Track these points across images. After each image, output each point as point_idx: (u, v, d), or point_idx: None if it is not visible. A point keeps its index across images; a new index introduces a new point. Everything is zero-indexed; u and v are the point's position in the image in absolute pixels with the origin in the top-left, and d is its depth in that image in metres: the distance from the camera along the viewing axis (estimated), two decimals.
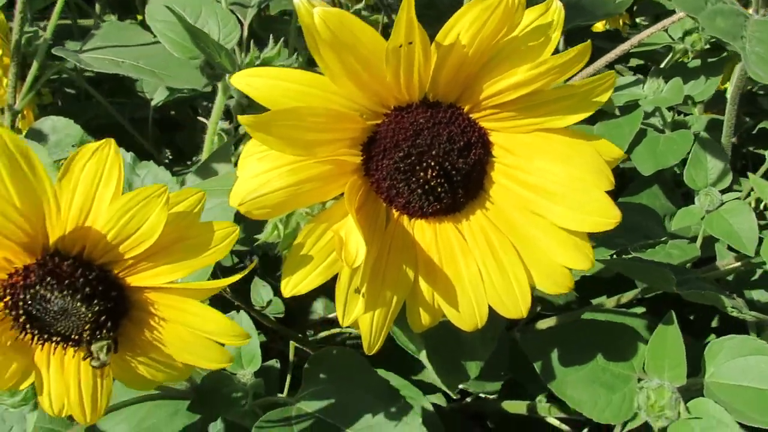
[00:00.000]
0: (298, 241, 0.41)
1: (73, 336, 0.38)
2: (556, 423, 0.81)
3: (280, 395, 0.65)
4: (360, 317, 0.44)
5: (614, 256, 0.86)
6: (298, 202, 0.41)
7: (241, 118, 0.38)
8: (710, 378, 0.57)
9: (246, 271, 0.40)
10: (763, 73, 0.68)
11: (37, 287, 0.36)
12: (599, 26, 1.36)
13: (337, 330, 0.94)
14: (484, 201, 0.45)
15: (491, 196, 0.45)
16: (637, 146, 1.00)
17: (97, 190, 0.35)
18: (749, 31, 0.75)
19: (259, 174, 0.40)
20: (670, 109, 1.15)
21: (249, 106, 0.57)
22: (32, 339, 0.39)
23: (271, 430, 0.58)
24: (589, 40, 0.37)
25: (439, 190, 0.43)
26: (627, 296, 0.83)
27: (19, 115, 0.98)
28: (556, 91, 0.41)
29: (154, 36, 0.94)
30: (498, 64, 0.40)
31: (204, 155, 0.70)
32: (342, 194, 0.43)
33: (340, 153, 0.42)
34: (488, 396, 0.93)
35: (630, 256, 0.85)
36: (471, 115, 0.43)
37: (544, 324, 0.79)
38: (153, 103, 1.12)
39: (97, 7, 1.44)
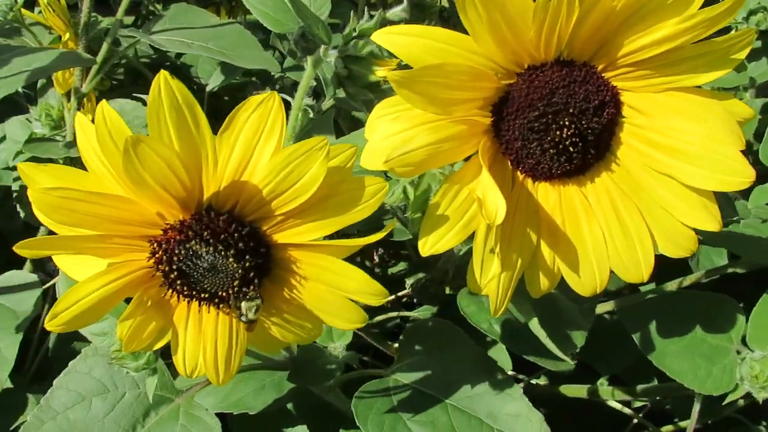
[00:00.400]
0: (435, 201, 0.41)
1: (220, 293, 0.38)
2: (617, 407, 0.81)
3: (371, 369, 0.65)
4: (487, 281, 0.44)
5: None
6: (437, 161, 0.41)
7: (390, 74, 0.38)
8: None
9: (386, 231, 0.40)
10: None
11: (193, 242, 0.36)
12: None
13: (391, 315, 0.94)
14: (610, 163, 0.45)
15: (618, 158, 0.45)
16: None
17: (258, 144, 0.35)
18: None
19: (398, 133, 0.40)
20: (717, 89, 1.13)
21: (348, 77, 0.57)
22: (178, 297, 0.39)
23: (370, 400, 0.58)
24: None
25: (572, 149, 0.43)
26: (690, 279, 0.82)
27: (85, 99, 0.99)
28: (695, 47, 0.40)
29: (219, 19, 0.94)
30: (642, 18, 0.39)
31: (288, 130, 0.70)
32: (469, 157, 0.43)
33: (472, 113, 0.42)
34: (539, 381, 0.93)
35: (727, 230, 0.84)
36: (604, 74, 0.43)
37: (601, 308, 0.79)
38: (208, 88, 1.12)
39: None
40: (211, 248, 0.36)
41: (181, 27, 0.90)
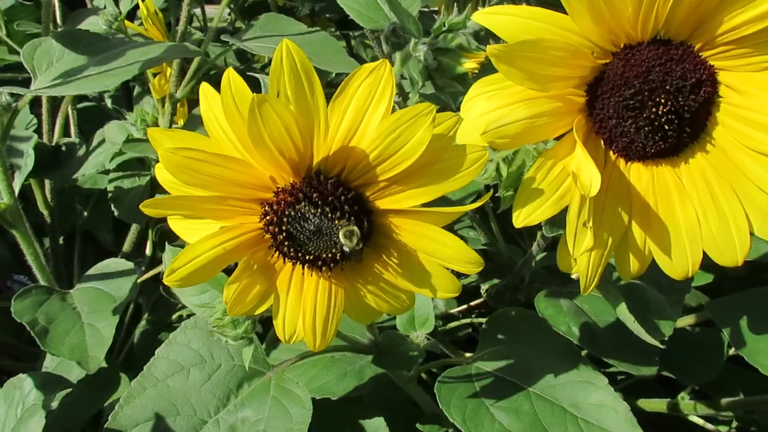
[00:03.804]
0: (529, 175, 0.42)
1: (323, 256, 0.40)
2: (700, 422, 0.78)
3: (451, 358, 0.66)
4: (579, 258, 0.44)
5: None
6: (532, 136, 0.42)
7: (490, 48, 0.40)
8: None
9: (481, 202, 0.41)
10: None
11: (302, 204, 0.39)
12: None
13: (459, 323, 0.95)
14: (706, 143, 0.45)
15: (713, 138, 0.45)
16: None
17: (368, 110, 0.37)
18: None
19: (494, 109, 0.41)
20: None
21: (437, 69, 0.59)
22: (284, 259, 0.41)
23: (453, 385, 0.59)
24: None
25: (667, 128, 0.43)
26: None
27: (178, 104, 1.05)
28: None
29: (307, 27, 0.98)
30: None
31: None
32: (563, 135, 0.44)
33: (568, 92, 0.43)
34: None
35: None
36: (701, 53, 0.43)
37: (683, 322, 0.77)
38: None
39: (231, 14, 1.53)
40: (319, 210, 0.39)
41: (272, 34, 0.94)
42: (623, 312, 0.52)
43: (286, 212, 0.39)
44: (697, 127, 0.45)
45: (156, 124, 1.07)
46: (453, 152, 0.38)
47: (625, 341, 0.65)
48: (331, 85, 1.03)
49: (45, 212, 1.05)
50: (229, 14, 1.52)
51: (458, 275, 1.19)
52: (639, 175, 0.46)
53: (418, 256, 0.41)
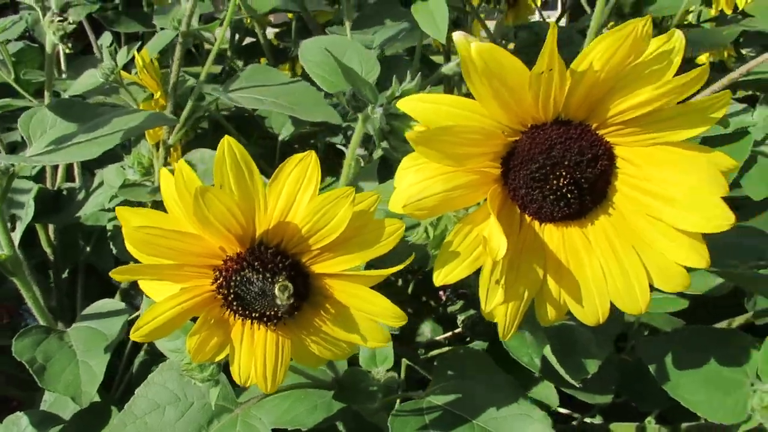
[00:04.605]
0: (448, 239, 0.49)
1: (267, 313, 0.47)
2: None
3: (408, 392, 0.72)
4: (496, 308, 0.50)
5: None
6: (450, 206, 0.49)
7: (408, 134, 0.46)
8: None
9: (401, 266, 0.47)
10: None
11: (246, 270, 0.45)
12: (702, 59, 1.39)
13: (444, 350, 1.01)
14: (608, 207, 0.51)
15: (614, 203, 0.51)
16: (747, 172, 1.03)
17: (299, 192, 0.44)
18: None
19: (418, 182, 0.48)
20: None
21: (390, 132, 0.66)
22: (234, 316, 0.48)
23: (405, 418, 0.65)
24: (707, 63, 0.43)
25: (569, 196, 0.49)
26: (738, 321, 0.85)
27: (171, 149, 1.12)
28: (675, 108, 0.47)
29: (290, 77, 1.06)
30: (625, 86, 0.46)
31: (342, 179, 0.80)
32: (482, 201, 0.50)
33: (484, 165, 0.50)
34: (593, 420, 0.97)
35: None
36: (598, 131, 0.49)
37: None
38: (280, 138, 1.25)
39: (228, 53, 1.61)
40: (261, 276, 0.45)
41: (256, 85, 1.02)
42: (548, 353, 0.58)
43: (233, 277, 0.45)
44: (598, 194, 0.51)
45: (152, 167, 1.14)
46: (373, 226, 0.45)
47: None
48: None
49: (48, 250, 1.13)
50: (227, 53, 1.60)
51: (446, 302, 1.25)
52: (551, 235, 0.52)
53: (351, 311, 0.48)
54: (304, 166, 0.43)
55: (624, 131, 0.49)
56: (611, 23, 1.38)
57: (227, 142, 0.42)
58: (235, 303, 0.47)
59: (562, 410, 0.95)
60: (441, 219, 0.53)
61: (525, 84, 0.46)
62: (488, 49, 0.45)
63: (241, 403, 0.63)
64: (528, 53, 1.37)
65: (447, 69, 1.15)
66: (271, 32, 1.76)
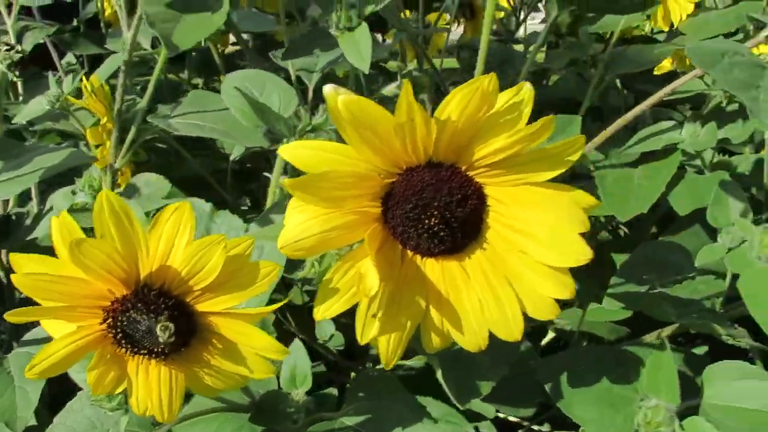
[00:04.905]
0: (327, 277, 0.52)
1: (155, 350, 0.50)
2: None
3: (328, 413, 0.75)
4: (379, 338, 0.54)
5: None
6: (329, 246, 0.52)
7: (283, 181, 0.49)
8: (707, 399, 0.63)
9: (277, 305, 0.51)
10: None
11: (131, 311, 0.48)
12: (667, 66, 1.43)
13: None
14: (482, 242, 0.55)
15: (487, 239, 0.55)
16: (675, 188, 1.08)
17: (176, 238, 0.47)
18: (765, 81, 0.81)
19: (299, 223, 0.51)
20: (721, 150, 1.22)
21: None
22: (126, 352, 0.51)
23: None
24: (551, 116, 0.47)
25: (442, 234, 0.53)
26: (666, 331, 0.89)
27: (119, 172, 1.15)
28: (533, 153, 0.50)
29: None
30: (484, 134, 0.50)
31: (267, 206, 0.83)
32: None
33: (363, 205, 0.53)
34: (540, 428, 1.01)
35: (656, 291, 0.91)
36: (468, 173, 0.53)
37: None
38: (231, 157, 1.28)
39: (186, 72, 1.64)
40: (146, 316, 0.48)
41: (197, 111, 1.05)
42: (439, 377, 0.62)
43: (120, 318, 0.49)
44: (471, 231, 0.54)
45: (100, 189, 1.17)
46: (249, 268, 0.48)
47: (508, 383, 0.74)
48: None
49: (1, 274, 1.15)
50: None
51: None
52: (432, 268, 0.56)
53: (237, 346, 0.51)
54: (179, 214, 0.47)
55: (491, 173, 0.52)
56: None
57: (105, 195, 0.45)
58: (124, 341, 0.50)
59: (512, 419, 0.99)
60: (324, 256, 0.56)
61: (392, 132, 0.49)
62: (355, 101, 0.48)
63: (155, 428, 0.66)
64: (471, 71, 1.40)
65: (387, 91, 1.18)
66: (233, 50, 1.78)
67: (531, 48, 1.15)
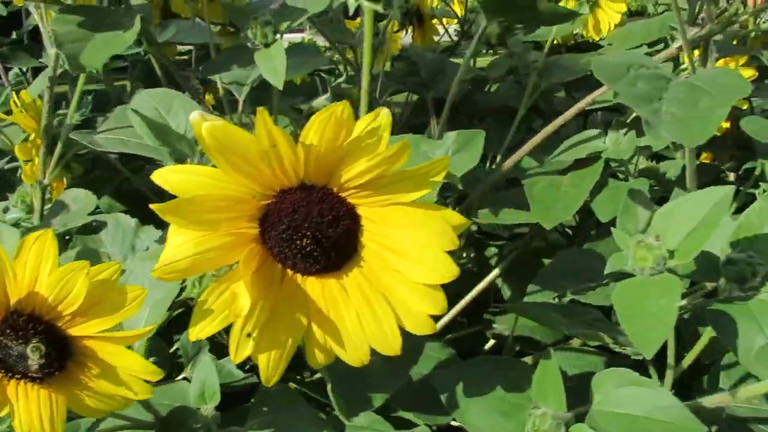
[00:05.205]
0: (203, 298, 0.53)
1: (29, 374, 0.51)
2: None
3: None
4: (259, 356, 0.55)
5: (558, 299, 0.95)
6: (205, 267, 0.53)
7: (153, 206, 0.50)
8: (595, 406, 0.65)
9: (150, 328, 0.52)
10: (676, 131, 0.77)
11: (1, 338, 0.49)
12: None
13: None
14: (359, 261, 0.56)
15: (363, 257, 0.56)
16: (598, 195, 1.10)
17: (41, 265, 0.48)
18: (669, 93, 0.83)
19: (174, 246, 0.52)
20: (654, 156, 1.25)
21: None
22: (2, 377, 0.52)
23: None
24: (406, 140, 0.48)
25: (315, 254, 0.54)
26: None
27: (49, 188, 1.15)
28: (397, 174, 0.52)
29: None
30: (347, 157, 0.51)
31: None
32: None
33: (240, 227, 0.54)
34: None
35: (569, 298, 0.94)
36: (340, 194, 0.54)
37: None
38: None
39: (128, 86, 1.64)
40: (15, 341, 0.49)
41: (122, 126, 1.05)
42: (330, 391, 0.63)
43: None
44: (346, 250, 0.56)
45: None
46: (116, 293, 0.49)
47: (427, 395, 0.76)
48: None
49: None
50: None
51: None
52: (313, 286, 0.57)
53: (112, 368, 0.52)
54: (42, 241, 0.48)
55: (361, 194, 0.54)
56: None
57: None
58: None
59: (454, 423, 1.00)
60: (203, 277, 0.57)
61: (258, 158, 0.50)
62: (220, 128, 0.49)
63: None
64: (404, 82, 1.42)
65: (317, 103, 1.20)
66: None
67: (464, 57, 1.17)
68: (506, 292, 1.17)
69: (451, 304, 1.11)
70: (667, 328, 0.56)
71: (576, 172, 1.12)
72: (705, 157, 1.61)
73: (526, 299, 1.00)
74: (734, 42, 1.48)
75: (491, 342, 1.15)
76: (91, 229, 1.01)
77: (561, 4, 1.44)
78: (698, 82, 0.84)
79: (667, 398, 0.62)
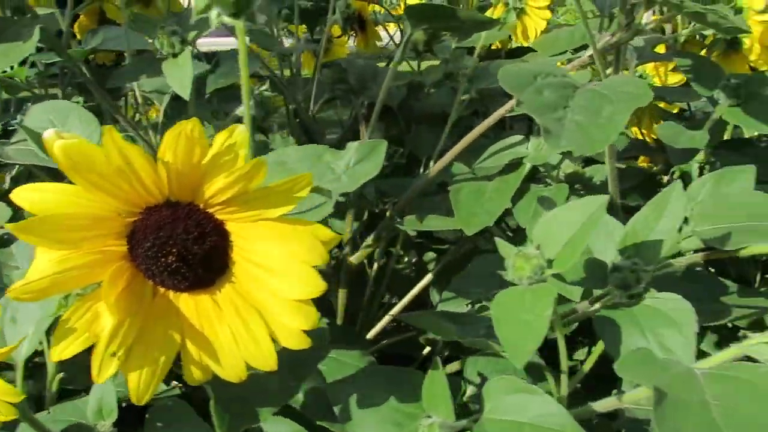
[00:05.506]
0: (64, 317, 0.52)
1: None
2: None
3: None
4: (129, 374, 0.54)
5: (472, 305, 0.96)
6: (67, 287, 0.52)
7: (8, 225, 0.50)
8: (486, 414, 0.66)
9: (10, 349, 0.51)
10: (577, 139, 0.78)
11: None
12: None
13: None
14: (231, 277, 0.56)
15: (235, 274, 0.56)
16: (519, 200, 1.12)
17: None
18: (575, 101, 0.84)
19: (37, 265, 0.51)
20: (586, 160, 1.27)
21: None
22: None
23: None
24: (261, 157, 0.48)
25: (182, 270, 0.54)
26: None
27: None
28: (260, 191, 0.52)
29: None
30: (208, 173, 0.51)
31: None
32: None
33: (107, 244, 0.54)
34: None
35: (480, 304, 0.94)
36: (207, 210, 0.54)
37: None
38: None
39: (60, 90, 1.62)
40: None
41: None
42: (212, 406, 0.63)
43: None
44: (217, 267, 0.56)
45: None
46: None
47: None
48: None
49: None
50: None
51: None
52: (187, 303, 0.57)
53: None
54: None
55: (228, 210, 0.53)
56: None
57: None
58: None
59: None
60: (68, 296, 0.56)
61: (115, 175, 0.50)
62: (74, 146, 0.49)
63: None
64: (333, 89, 1.42)
65: (240, 112, 1.19)
66: None
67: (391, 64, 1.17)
68: (435, 297, 1.17)
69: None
70: (539, 336, 0.57)
71: (501, 178, 1.13)
72: (642, 161, 1.64)
73: (441, 306, 1.00)
74: (664, 48, 1.50)
75: (428, 348, 1.16)
76: (2, 242, 1.00)
77: (492, 10, 1.45)
78: (604, 90, 0.85)
79: (552, 406, 0.63)
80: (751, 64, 1.17)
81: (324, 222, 1.59)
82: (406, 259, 1.63)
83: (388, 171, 1.46)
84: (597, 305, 0.70)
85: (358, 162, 0.79)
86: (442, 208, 1.12)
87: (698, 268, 1.08)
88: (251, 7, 0.51)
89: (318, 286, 0.53)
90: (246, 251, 0.55)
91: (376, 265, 1.40)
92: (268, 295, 0.55)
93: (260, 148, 1.23)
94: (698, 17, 0.81)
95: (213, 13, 0.52)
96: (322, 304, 1.48)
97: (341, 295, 1.19)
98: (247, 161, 0.50)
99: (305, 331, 0.55)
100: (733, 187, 0.90)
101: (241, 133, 0.49)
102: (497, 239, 0.65)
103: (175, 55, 0.90)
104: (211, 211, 0.54)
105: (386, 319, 1.18)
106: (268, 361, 0.56)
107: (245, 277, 0.56)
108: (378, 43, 1.87)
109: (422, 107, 1.55)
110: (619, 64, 1.06)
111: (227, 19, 0.52)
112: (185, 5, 1.33)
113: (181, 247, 0.53)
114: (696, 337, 0.63)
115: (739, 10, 1.13)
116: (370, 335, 1.15)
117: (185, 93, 0.87)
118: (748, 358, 0.54)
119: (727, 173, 0.90)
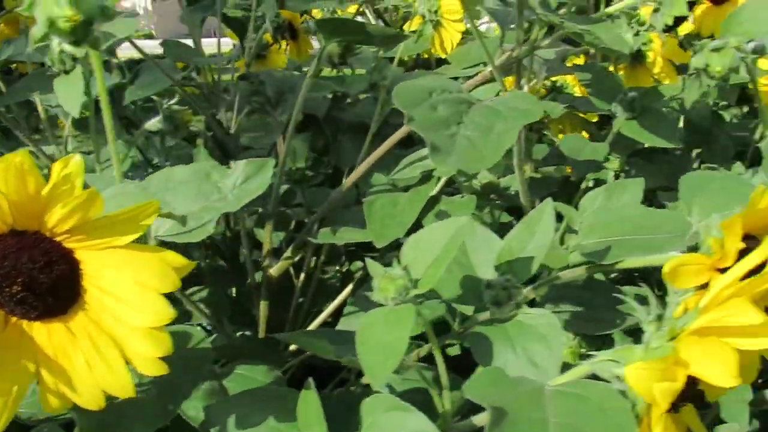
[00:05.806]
0: None
1: None
2: None
3: None
4: None
5: None
6: None
7: None
8: (364, 430, 0.66)
9: None
10: (467, 156, 0.78)
11: None
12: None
13: None
14: (83, 305, 0.56)
15: (86, 302, 0.55)
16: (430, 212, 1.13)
17: None
18: (468, 117, 0.85)
19: None
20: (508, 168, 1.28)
21: None
22: None
23: None
24: (94, 188, 0.48)
25: (30, 300, 0.53)
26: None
27: None
28: (107, 218, 0.51)
29: None
30: (49, 203, 0.50)
31: None
32: None
33: None
34: None
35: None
36: (55, 239, 0.53)
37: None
38: None
39: None
40: None
41: None
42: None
43: None
44: (67, 295, 0.55)
45: None
46: None
47: None
48: None
49: None
50: None
51: None
52: (40, 332, 0.56)
53: None
54: None
55: (75, 238, 0.53)
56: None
57: None
58: None
59: None
60: None
61: None
62: None
63: None
64: (249, 101, 1.41)
65: (149, 125, 1.18)
66: None
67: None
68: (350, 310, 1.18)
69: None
70: (398, 356, 0.58)
71: (416, 189, 1.14)
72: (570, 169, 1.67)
73: (343, 320, 1.01)
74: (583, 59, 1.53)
75: None
76: None
77: (409, 22, 1.47)
78: (498, 106, 0.86)
79: (422, 422, 0.64)
80: (655, 77, 1.21)
81: (249, 231, 1.58)
82: (336, 268, 1.64)
83: (317, 182, 1.46)
84: (472, 322, 0.71)
85: (245, 181, 0.79)
86: (360, 219, 1.13)
87: (615, 275, 1.11)
88: (90, 34, 0.51)
89: (167, 314, 0.53)
90: (96, 279, 0.55)
91: (303, 276, 1.40)
92: (121, 323, 0.54)
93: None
94: (577, 36, 0.83)
95: (54, 42, 0.51)
96: (245, 316, 1.48)
97: (263, 306, 1.19)
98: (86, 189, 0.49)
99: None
100: (624, 198, 0.93)
101: (76, 163, 0.49)
102: (367, 259, 0.65)
103: (66, 72, 0.88)
104: (58, 239, 0.53)
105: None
106: (125, 388, 0.56)
107: (97, 305, 0.55)
108: (311, 51, 1.87)
109: (347, 118, 1.55)
110: (520, 79, 1.08)
111: (68, 48, 0.52)
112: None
113: (26, 276, 0.52)
114: (562, 349, 0.65)
115: (642, 24, 1.16)
116: (293, 347, 1.15)
117: (75, 111, 0.86)
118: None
119: (617, 186, 0.93)
